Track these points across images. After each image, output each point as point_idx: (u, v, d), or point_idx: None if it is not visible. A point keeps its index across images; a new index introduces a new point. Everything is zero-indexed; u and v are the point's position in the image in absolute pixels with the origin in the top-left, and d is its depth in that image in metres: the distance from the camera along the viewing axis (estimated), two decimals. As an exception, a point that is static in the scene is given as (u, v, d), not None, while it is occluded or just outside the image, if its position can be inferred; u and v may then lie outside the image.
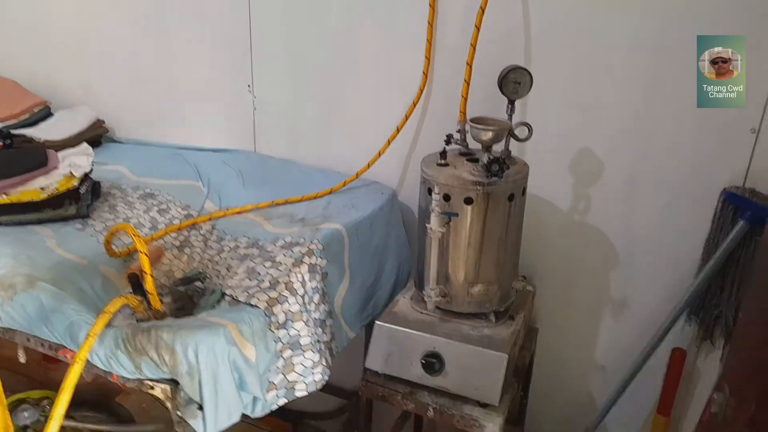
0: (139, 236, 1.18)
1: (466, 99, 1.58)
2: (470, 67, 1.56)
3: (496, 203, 1.34)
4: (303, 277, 1.33)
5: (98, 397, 2.16)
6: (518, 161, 1.44)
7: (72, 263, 1.35)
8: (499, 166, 1.30)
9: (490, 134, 1.32)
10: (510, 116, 1.40)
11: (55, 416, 0.98)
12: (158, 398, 1.14)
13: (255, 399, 1.19)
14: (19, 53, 2.36)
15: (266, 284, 1.28)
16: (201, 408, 1.09)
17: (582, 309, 1.74)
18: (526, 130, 1.40)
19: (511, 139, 1.41)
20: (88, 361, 1.15)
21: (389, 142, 1.73)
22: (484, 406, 1.41)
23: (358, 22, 1.74)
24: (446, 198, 1.33)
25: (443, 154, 1.41)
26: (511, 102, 1.39)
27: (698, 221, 1.52)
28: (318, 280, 1.39)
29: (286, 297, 1.26)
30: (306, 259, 1.36)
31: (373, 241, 1.63)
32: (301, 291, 1.31)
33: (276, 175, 1.86)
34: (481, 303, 1.46)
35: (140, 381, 1.13)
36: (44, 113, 2.16)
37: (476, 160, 1.39)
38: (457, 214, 1.33)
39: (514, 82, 1.35)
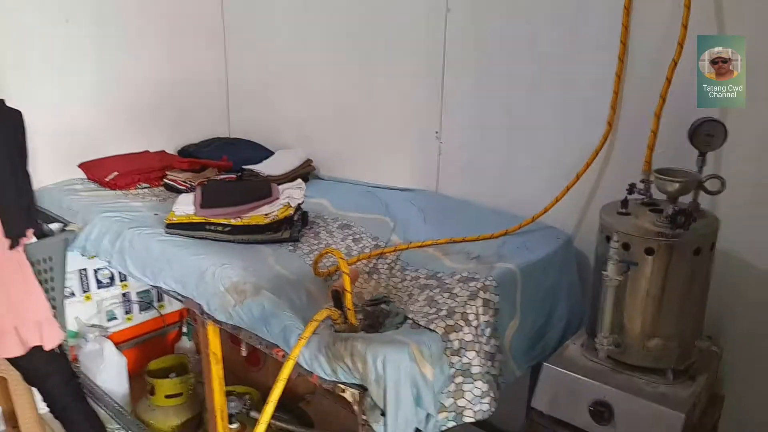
0: (344, 259, 1.40)
1: (651, 149, 1.57)
2: (658, 118, 1.56)
3: (680, 256, 1.32)
4: (477, 309, 1.44)
5: (286, 401, 2.47)
6: (708, 215, 1.39)
7: (285, 277, 1.63)
8: (686, 218, 1.28)
9: (676, 186, 1.31)
10: (700, 168, 1.37)
11: (272, 400, 1.21)
12: (347, 401, 1.32)
13: (428, 416, 1.31)
14: (250, 106, 2.89)
15: (444, 313, 1.41)
16: (383, 414, 1.24)
17: (779, 380, 1.58)
18: (719, 183, 1.36)
19: (701, 192, 1.38)
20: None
21: (568, 189, 1.76)
22: (656, 466, 1.36)
23: (544, 81, 1.85)
24: (625, 247, 1.34)
25: (624, 202, 1.43)
26: (702, 154, 1.36)
27: None
28: (490, 315, 1.48)
29: (462, 326, 1.38)
30: (480, 294, 1.46)
31: (545, 284, 1.68)
32: (474, 323, 1.42)
33: (455, 214, 2.01)
34: (657, 358, 1.42)
35: (335, 383, 1.33)
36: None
37: (660, 211, 1.37)
38: (636, 264, 1.33)
39: (706, 134, 1.33)
